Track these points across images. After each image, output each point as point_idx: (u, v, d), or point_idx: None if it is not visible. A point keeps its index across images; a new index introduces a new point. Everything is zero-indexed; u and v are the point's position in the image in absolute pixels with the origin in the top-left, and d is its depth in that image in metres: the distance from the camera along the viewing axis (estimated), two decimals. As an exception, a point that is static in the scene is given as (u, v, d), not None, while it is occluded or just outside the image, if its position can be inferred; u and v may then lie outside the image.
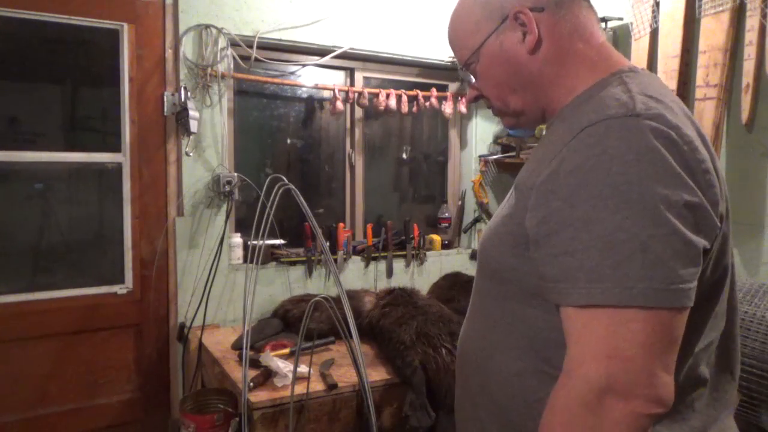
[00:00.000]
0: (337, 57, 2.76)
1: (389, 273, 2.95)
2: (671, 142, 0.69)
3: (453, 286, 2.71)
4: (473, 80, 0.96)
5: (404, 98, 2.89)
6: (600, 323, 0.68)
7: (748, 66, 2.08)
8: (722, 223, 0.75)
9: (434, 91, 2.96)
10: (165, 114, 2.43)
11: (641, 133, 0.69)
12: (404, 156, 3.26)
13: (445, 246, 3.15)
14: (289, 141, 2.95)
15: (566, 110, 0.85)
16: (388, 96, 2.83)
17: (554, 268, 0.72)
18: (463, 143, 3.28)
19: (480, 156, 3.16)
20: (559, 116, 0.86)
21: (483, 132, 3.20)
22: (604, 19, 2.55)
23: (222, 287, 2.54)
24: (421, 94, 2.92)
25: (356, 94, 2.80)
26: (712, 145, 0.75)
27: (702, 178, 0.70)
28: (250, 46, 2.52)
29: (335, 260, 2.79)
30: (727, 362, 0.88)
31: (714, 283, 0.79)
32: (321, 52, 2.73)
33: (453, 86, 3.19)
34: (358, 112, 2.99)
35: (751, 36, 2.07)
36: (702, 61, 2.21)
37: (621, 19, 2.57)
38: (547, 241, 0.73)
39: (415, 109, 2.93)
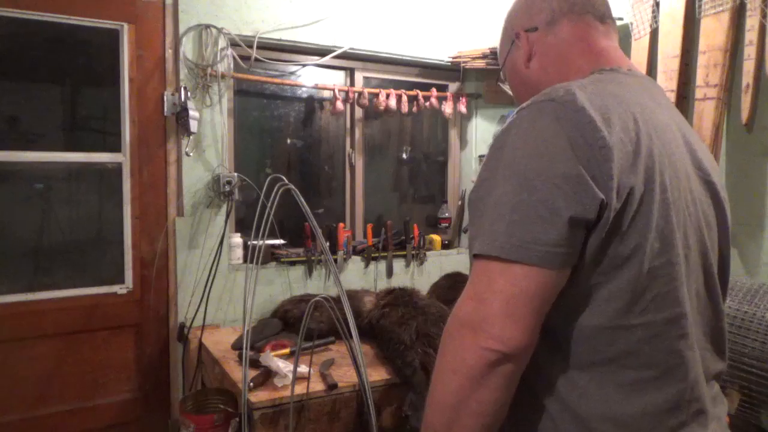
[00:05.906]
0: (337, 57, 2.77)
1: (389, 273, 2.95)
2: (568, 121, 0.79)
3: (453, 286, 2.71)
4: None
5: (404, 98, 2.89)
6: (475, 271, 0.82)
7: (748, 66, 2.08)
8: (628, 199, 0.79)
9: (434, 91, 2.96)
10: (165, 114, 2.43)
11: (543, 114, 0.81)
12: (404, 156, 3.26)
13: (445, 246, 3.15)
14: (289, 141, 2.95)
15: None
16: (388, 96, 2.83)
17: (471, 229, 0.87)
18: (463, 143, 3.28)
19: (480, 156, 3.16)
20: None
21: (483, 132, 3.20)
22: (604, 19, 2.55)
23: (222, 287, 2.54)
24: (421, 94, 2.92)
25: (356, 94, 2.80)
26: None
27: (598, 153, 0.78)
28: (250, 46, 2.52)
29: (335, 260, 2.79)
30: (624, 344, 0.86)
31: (625, 257, 0.81)
32: (321, 52, 2.73)
33: (453, 86, 3.18)
34: (358, 112, 2.98)
35: (751, 36, 2.07)
36: (702, 61, 2.21)
37: (621, 19, 2.57)
38: (473, 208, 0.87)
39: (415, 109, 2.93)
